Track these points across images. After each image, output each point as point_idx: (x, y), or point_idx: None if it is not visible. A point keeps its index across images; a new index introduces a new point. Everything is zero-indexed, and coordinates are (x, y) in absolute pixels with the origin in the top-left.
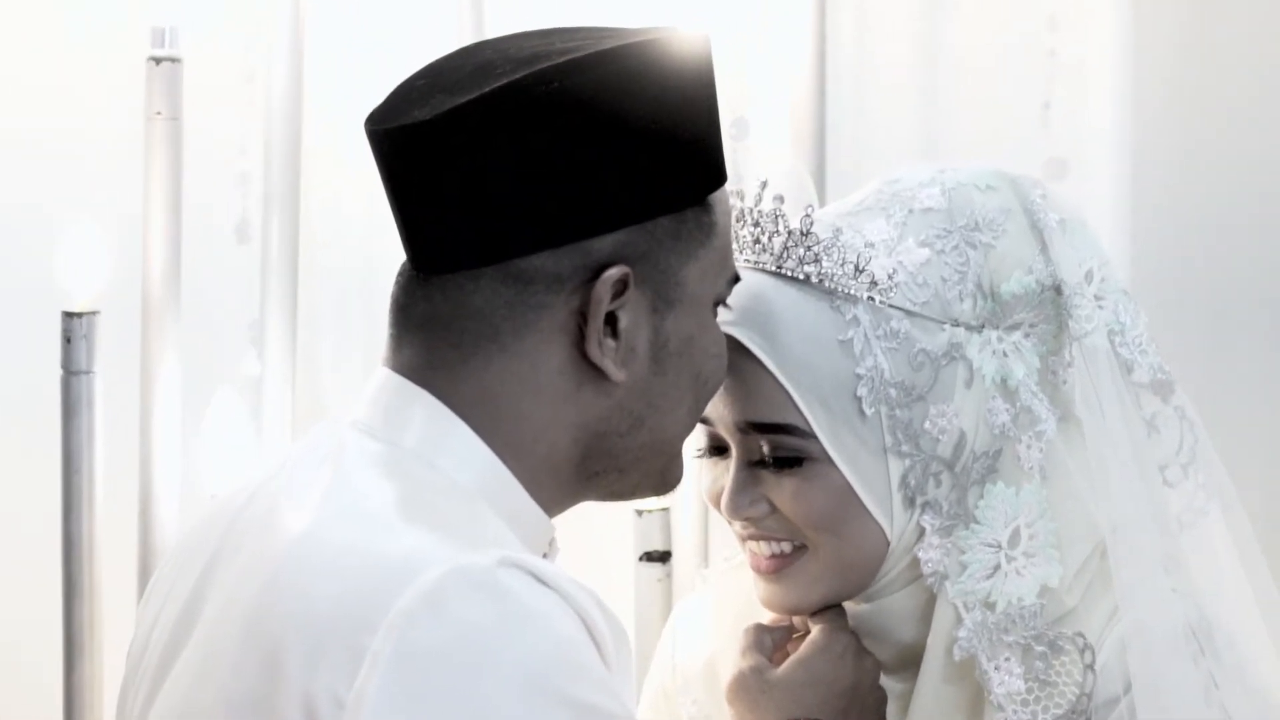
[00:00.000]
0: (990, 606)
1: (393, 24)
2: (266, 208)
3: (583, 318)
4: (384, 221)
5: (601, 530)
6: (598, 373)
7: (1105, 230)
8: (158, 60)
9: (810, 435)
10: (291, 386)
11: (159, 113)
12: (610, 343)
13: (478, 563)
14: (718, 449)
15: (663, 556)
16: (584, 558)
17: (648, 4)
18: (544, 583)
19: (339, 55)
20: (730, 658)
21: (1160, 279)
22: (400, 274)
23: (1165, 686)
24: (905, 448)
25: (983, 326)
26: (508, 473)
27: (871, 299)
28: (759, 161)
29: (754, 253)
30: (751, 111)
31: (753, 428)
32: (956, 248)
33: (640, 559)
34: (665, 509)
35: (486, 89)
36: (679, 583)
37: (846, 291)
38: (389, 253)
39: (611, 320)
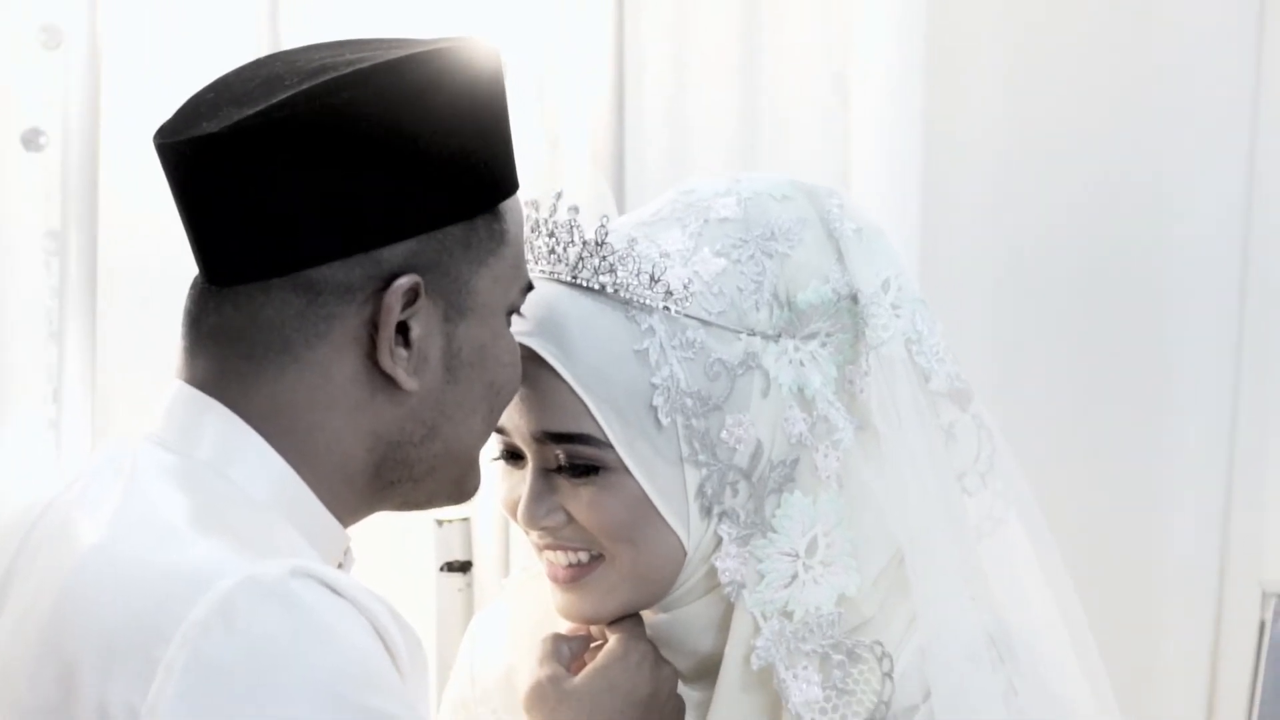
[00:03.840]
0: (788, 615)
1: (191, 36)
2: (65, 220)
3: (374, 327)
4: (183, 234)
5: (402, 540)
6: (390, 382)
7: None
8: None
9: (606, 445)
10: (90, 400)
11: None
12: (402, 352)
13: (270, 572)
14: (514, 455)
15: (463, 566)
16: (385, 568)
17: (453, 25)
18: (337, 592)
19: (136, 64)
20: (528, 667)
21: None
22: (192, 286)
23: (964, 694)
24: (702, 457)
25: (779, 336)
26: (301, 483)
27: (667, 309)
28: (568, 175)
29: (549, 263)
30: (562, 127)
31: (548, 437)
32: (753, 257)
33: (441, 569)
34: (466, 519)
35: (274, 100)
36: (480, 592)
37: (642, 301)
38: (189, 265)
39: (403, 329)
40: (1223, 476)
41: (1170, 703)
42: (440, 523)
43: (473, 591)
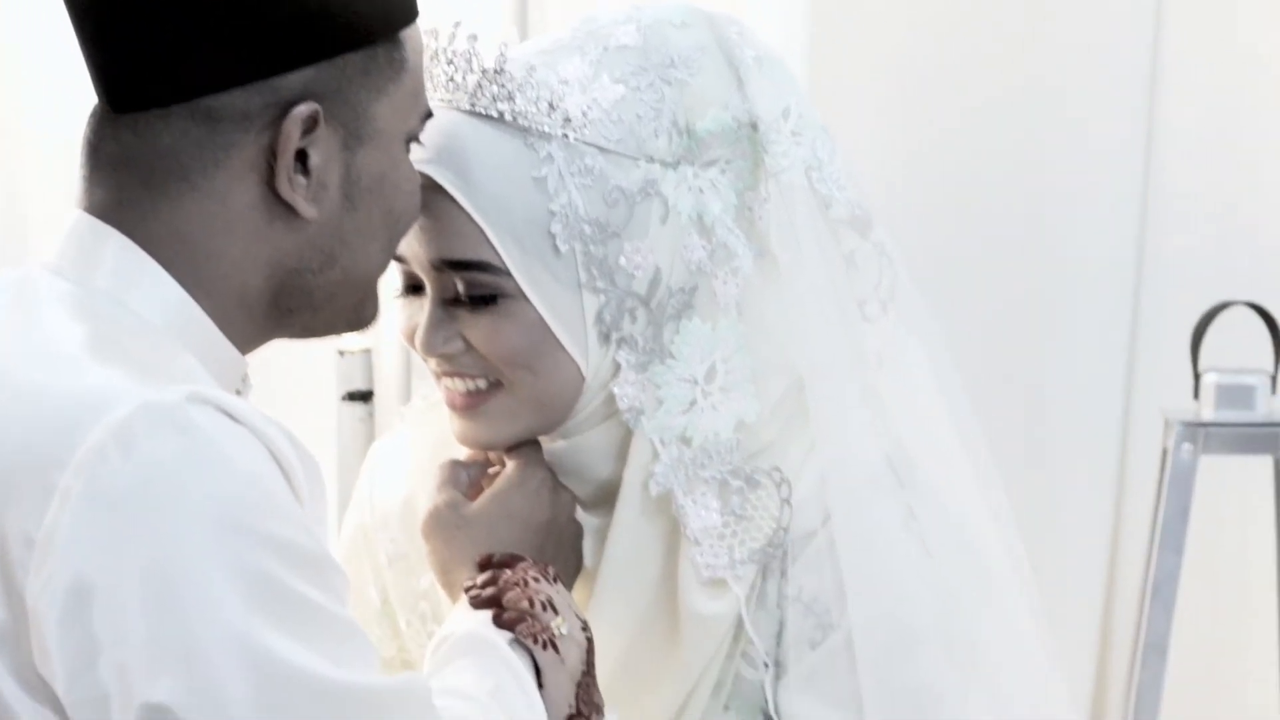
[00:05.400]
0: (687, 442)
1: None
2: None
3: (273, 155)
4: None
5: (304, 371)
6: (289, 210)
7: None
8: None
9: (504, 272)
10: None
11: None
12: (301, 180)
13: (166, 399)
14: (414, 288)
15: (365, 396)
16: (288, 398)
17: None
18: (233, 418)
19: None
20: (427, 494)
21: None
22: (92, 114)
23: (863, 518)
24: (600, 284)
25: (679, 163)
26: (199, 310)
27: (565, 136)
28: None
29: (448, 91)
30: None
31: (447, 265)
32: (652, 85)
33: (343, 399)
34: (367, 350)
35: None
36: (381, 422)
37: (540, 129)
38: (90, 97)
39: (302, 157)
40: (1128, 305)
41: (1075, 529)
42: (342, 353)
43: (374, 421)
